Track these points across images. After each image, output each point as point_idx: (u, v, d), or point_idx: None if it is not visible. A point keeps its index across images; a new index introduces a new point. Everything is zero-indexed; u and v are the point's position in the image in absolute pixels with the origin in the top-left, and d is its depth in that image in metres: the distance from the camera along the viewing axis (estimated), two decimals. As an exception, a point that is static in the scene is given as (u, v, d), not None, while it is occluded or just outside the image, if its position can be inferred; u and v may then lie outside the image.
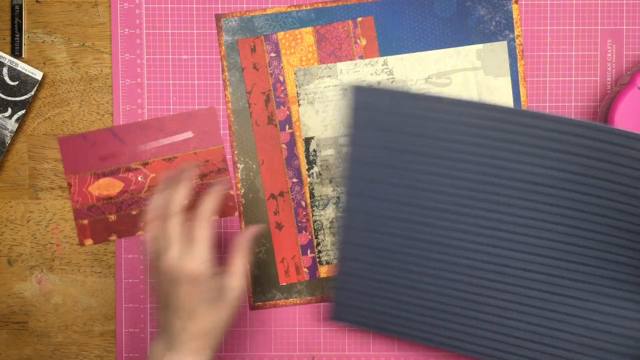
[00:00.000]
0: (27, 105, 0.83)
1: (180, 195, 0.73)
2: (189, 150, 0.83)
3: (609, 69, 0.83)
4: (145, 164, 0.83)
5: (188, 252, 0.71)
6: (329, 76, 0.83)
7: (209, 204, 0.73)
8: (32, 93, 0.83)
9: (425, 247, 0.64)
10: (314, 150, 0.83)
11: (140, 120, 0.83)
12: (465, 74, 0.83)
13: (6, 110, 0.83)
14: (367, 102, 0.67)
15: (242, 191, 0.84)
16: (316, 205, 0.84)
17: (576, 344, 0.54)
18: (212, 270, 0.72)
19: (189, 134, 0.82)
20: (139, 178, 0.83)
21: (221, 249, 0.84)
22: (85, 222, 0.83)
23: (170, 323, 0.72)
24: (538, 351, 0.56)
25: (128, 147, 0.83)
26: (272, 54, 0.83)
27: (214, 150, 0.83)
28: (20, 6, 0.83)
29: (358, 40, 0.83)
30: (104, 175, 0.83)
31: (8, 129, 0.83)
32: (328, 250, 0.84)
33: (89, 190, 0.83)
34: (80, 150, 0.83)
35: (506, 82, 0.83)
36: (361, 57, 0.83)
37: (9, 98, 0.83)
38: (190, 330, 0.71)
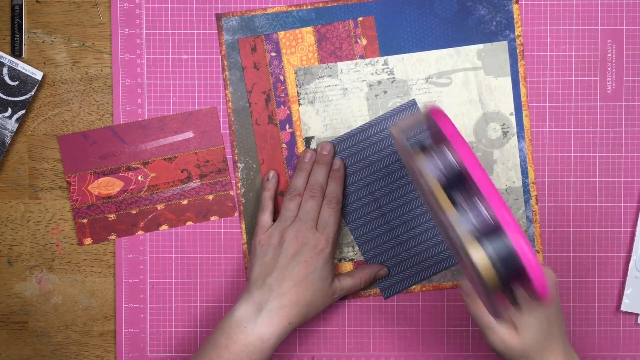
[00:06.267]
0: (27, 105, 0.83)
1: (339, 195, 0.81)
2: (190, 150, 0.83)
3: (609, 69, 0.83)
4: (145, 163, 0.83)
5: (321, 230, 0.78)
6: (330, 76, 0.83)
7: (340, 193, 0.81)
8: (32, 93, 0.83)
9: (405, 222, 0.84)
10: (314, 150, 0.83)
11: (140, 119, 0.83)
12: (466, 73, 0.83)
13: (6, 110, 0.83)
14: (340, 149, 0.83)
15: (242, 191, 0.84)
16: (316, 205, 0.84)
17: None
18: (333, 258, 0.80)
19: (189, 134, 0.82)
20: (139, 177, 0.83)
21: (221, 249, 0.84)
22: (85, 221, 0.83)
23: (272, 283, 0.76)
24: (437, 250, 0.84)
25: (128, 146, 0.83)
26: (273, 54, 0.83)
27: (215, 151, 0.83)
28: (20, 6, 0.83)
29: (359, 40, 0.83)
30: (104, 174, 0.83)
31: (8, 129, 0.83)
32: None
33: (89, 189, 0.82)
34: (80, 148, 0.83)
35: (506, 82, 0.83)
36: (362, 57, 0.83)
37: (9, 98, 0.83)
38: (287, 295, 0.75)
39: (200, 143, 0.83)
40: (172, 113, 0.83)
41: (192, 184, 0.83)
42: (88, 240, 0.84)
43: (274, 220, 0.81)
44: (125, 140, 0.83)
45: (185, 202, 0.83)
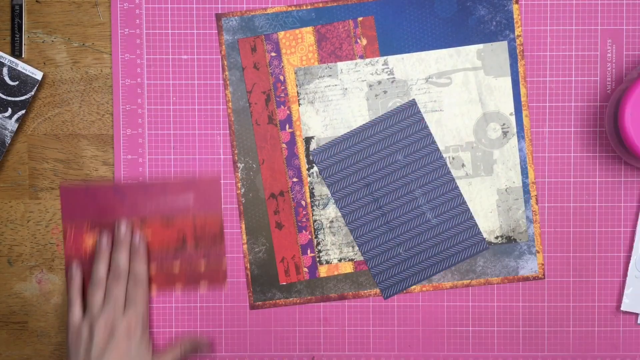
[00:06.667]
0: (27, 105, 0.83)
1: (143, 268, 0.81)
2: (188, 214, 0.82)
3: (609, 69, 0.83)
4: (142, 221, 0.82)
5: (131, 311, 0.78)
6: (330, 76, 0.83)
7: (144, 267, 0.81)
8: (32, 93, 0.83)
9: (405, 222, 0.85)
10: (314, 150, 0.83)
11: (142, 179, 0.82)
12: (466, 73, 0.83)
13: (6, 110, 0.83)
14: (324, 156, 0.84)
15: (242, 190, 0.84)
16: (316, 205, 0.84)
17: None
18: (148, 334, 0.79)
19: (189, 199, 0.82)
20: None
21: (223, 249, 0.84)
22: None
23: None
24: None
25: (127, 204, 0.82)
26: (273, 54, 0.83)
27: (212, 218, 0.83)
28: (20, 6, 0.83)
29: (358, 40, 0.83)
30: (101, 225, 0.82)
31: (8, 129, 0.83)
32: (328, 249, 0.84)
33: (84, 238, 0.82)
34: (80, 200, 0.83)
35: (506, 82, 0.83)
36: (362, 57, 0.83)
37: (9, 98, 0.83)
38: None
39: (199, 209, 0.83)
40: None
41: (186, 249, 0.83)
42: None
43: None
44: (126, 199, 0.82)
45: (177, 268, 0.83)
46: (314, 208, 0.84)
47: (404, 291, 0.84)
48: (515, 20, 0.82)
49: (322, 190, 0.84)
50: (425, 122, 0.83)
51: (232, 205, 0.84)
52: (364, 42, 0.83)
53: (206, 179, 0.82)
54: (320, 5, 0.83)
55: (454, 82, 0.83)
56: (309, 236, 0.84)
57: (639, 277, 0.83)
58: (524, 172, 0.83)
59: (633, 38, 0.83)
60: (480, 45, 0.83)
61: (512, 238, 0.84)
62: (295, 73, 0.83)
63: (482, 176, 0.83)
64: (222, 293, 0.84)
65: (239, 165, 0.84)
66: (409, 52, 0.83)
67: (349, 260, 0.84)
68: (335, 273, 0.84)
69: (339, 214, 0.84)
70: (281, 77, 0.83)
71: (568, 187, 0.84)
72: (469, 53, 0.82)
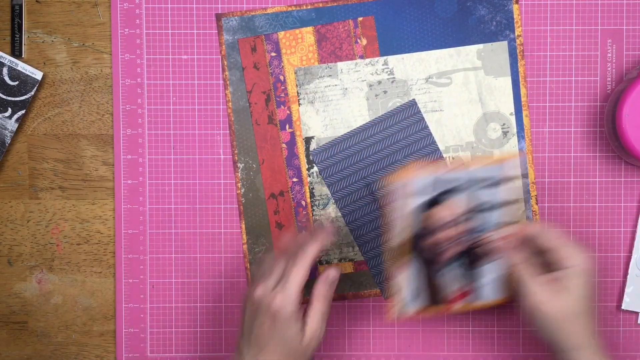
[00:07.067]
0: (27, 105, 0.83)
1: (311, 249, 0.74)
2: None
3: (609, 69, 0.83)
4: None
5: (279, 288, 0.72)
6: (330, 76, 0.83)
7: (313, 248, 0.74)
8: (32, 93, 0.83)
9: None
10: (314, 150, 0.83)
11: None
12: (466, 73, 0.83)
13: (6, 110, 0.83)
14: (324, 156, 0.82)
15: (242, 190, 0.84)
16: (316, 205, 0.84)
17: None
18: (296, 312, 0.72)
19: None
20: None
21: (221, 249, 0.84)
22: None
23: (242, 350, 0.73)
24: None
25: None
26: (273, 54, 0.83)
27: None
28: (20, 6, 0.83)
29: (359, 40, 0.83)
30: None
31: (8, 129, 0.83)
32: (328, 249, 0.84)
33: None
34: None
35: (506, 82, 0.83)
36: (362, 57, 0.83)
37: (9, 98, 0.83)
38: (258, 358, 0.72)
39: None
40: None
41: None
42: None
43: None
44: None
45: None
46: (314, 208, 0.84)
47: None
48: (515, 20, 0.82)
49: (322, 190, 0.84)
50: (425, 122, 0.83)
51: (232, 205, 0.84)
52: (364, 42, 0.83)
53: None
54: (320, 5, 0.83)
55: (454, 82, 0.83)
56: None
57: None
58: (524, 172, 0.83)
59: (633, 38, 0.83)
60: (481, 45, 0.83)
61: (512, 238, 0.84)
62: (295, 73, 0.83)
63: (482, 176, 0.83)
64: (222, 293, 0.84)
65: (239, 165, 0.84)
66: (409, 52, 0.83)
67: (349, 260, 0.84)
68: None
69: (339, 213, 0.84)
70: (281, 77, 0.83)
71: (568, 187, 0.84)
72: (469, 53, 0.82)
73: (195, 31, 0.83)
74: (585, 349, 0.71)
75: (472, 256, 0.78)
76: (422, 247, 0.76)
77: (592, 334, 0.72)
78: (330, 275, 0.75)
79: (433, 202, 0.75)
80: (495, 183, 0.76)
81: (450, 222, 0.76)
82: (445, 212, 0.76)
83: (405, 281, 0.77)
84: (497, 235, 0.76)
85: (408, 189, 0.74)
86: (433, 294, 0.78)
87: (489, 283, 0.78)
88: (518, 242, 0.75)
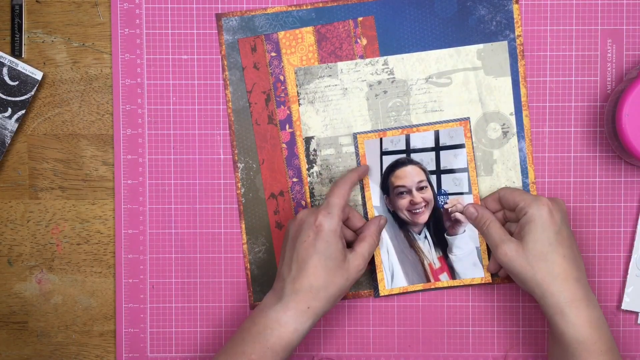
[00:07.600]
0: (27, 105, 0.83)
1: (351, 174, 0.80)
2: None
3: (609, 69, 0.83)
4: None
5: (322, 207, 0.76)
6: (330, 76, 0.83)
7: (353, 174, 0.80)
8: (32, 93, 0.83)
9: None
10: (314, 150, 0.83)
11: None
12: (466, 73, 0.83)
13: (6, 110, 0.83)
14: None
15: (242, 190, 0.84)
16: (316, 205, 0.84)
17: None
18: (338, 230, 0.75)
19: None
20: None
21: (221, 249, 0.84)
22: None
23: (283, 275, 0.75)
24: None
25: None
26: (273, 54, 0.83)
27: None
28: (20, 6, 0.83)
29: (359, 40, 0.83)
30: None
31: (8, 129, 0.83)
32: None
33: None
34: None
35: (506, 82, 0.83)
36: (362, 57, 0.83)
37: (9, 98, 0.83)
38: (298, 280, 0.74)
39: None
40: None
41: None
42: None
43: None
44: None
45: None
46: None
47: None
48: (515, 20, 0.82)
49: (322, 190, 0.84)
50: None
51: (232, 205, 0.84)
52: (364, 42, 0.83)
53: None
54: (320, 5, 0.83)
55: (454, 82, 0.83)
56: (309, 236, 0.84)
57: None
58: (524, 172, 0.83)
59: (633, 38, 0.83)
60: (481, 45, 0.83)
61: (512, 238, 0.84)
62: (295, 73, 0.83)
63: (482, 176, 0.83)
64: (222, 293, 0.84)
65: (239, 165, 0.84)
66: (409, 52, 0.83)
67: (349, 260, 0.84)
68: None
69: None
70: (281, 77, 0.83)
71: (568, 187, 0.84)
72: (469, 53, 0.82)
73: (195, 31, 0.83)
74: (559, 295, 0.73)
75: (446, 222, 0.82)
76: (398, 207, 0.82)
77: (570, 276, 0.74)
78: (381, 219, 0.80)
79: (403, 163, 0.81)
80: (460, 145, 0.81)
81: (420, 181, 0.81)
82: (414, 172, 0.81)
83: (384, 255, 0.82)
84: (467, 201, 0.81)
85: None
86: (411, 264, 0.82)
87: (465, 256, 0.82)
88: (487, 205, 0.81)
